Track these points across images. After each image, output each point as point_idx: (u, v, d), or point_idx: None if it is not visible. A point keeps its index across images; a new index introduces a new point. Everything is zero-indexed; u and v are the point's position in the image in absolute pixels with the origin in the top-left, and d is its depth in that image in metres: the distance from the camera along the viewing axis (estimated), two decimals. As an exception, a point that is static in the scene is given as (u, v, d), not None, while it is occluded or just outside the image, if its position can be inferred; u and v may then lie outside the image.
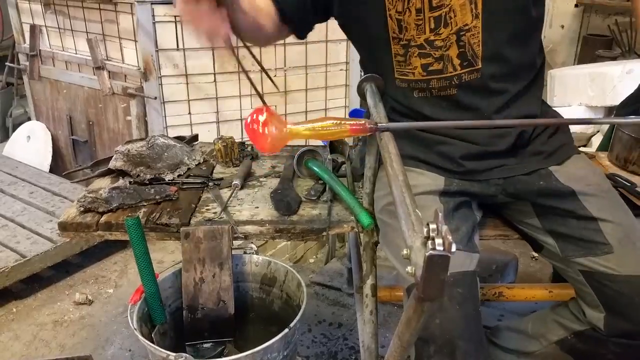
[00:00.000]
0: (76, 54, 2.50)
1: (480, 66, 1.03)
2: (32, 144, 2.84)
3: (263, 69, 1.11)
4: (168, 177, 1.35)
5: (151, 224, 1.17)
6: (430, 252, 0.56)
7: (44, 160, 2.76)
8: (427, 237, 0.59)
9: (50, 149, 2.76)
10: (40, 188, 2.40)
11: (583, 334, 1.09)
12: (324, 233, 1.19)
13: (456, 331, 0.90)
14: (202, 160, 1.49)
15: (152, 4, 2.13)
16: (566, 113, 2.71)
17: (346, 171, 1.39)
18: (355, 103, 2.75)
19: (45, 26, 2.60)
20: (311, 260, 2.40)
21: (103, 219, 1.19)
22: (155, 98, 2.26)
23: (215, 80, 2.38)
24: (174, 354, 0.96)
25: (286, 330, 1.04)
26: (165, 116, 2.34)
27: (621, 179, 1.33)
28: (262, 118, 0.94)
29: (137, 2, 2.11)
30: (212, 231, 1.15)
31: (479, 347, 0.93)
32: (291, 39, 1.19)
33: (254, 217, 1.21)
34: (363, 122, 0.94)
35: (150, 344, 1.02)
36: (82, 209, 1.20)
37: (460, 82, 1.05)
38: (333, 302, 1.97)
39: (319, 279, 2.09)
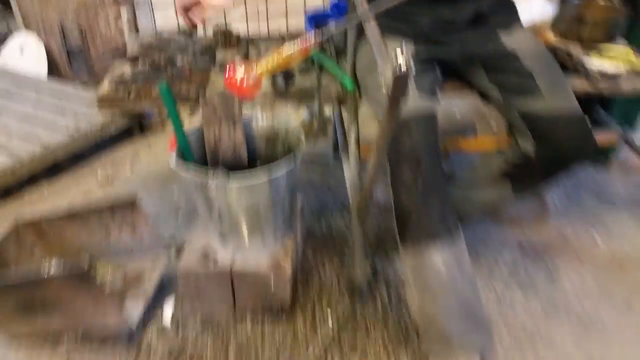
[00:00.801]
0: (63, -37, 2.64)
1: None
2: (26, 56, 3.01)
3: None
4: (179, 61, 1.64)
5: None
6: (397, 71, 0.89)
7: (40, 69, 2.95)
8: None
9: (45, 59, 2.94)
10: (45, 92, 2.62)
11: (518, 165, 1.47)
12: (315, 96, 1.52)
13: (421, 150, 1.23)
14: (203, 47, 1.77)
15: None
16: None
17: (329, 50, 1.70)
18: None
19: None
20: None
21: (133, 93, 1.49)
22: (145, 3, 2.46)
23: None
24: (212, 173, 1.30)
25: (291, 155, 1.39)
26: (155, 21, 2.56)
27: (561, 51, 1.65)
28: (238, 75, 1.26)
29: None
30: (225, 98, 1.45)
31: (437, 162, 1.28)
32: None
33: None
34: (307, 39, 1.19)
35: (191, 170, 1.34)
36: (114, 85, 1.49)
37: None
38: (322, 171, 2.33)
39: (309, 153, 2.43)
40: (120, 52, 2.68)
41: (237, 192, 1.33)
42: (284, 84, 1.53)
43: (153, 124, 2.64)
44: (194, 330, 1.50)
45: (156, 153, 2.48)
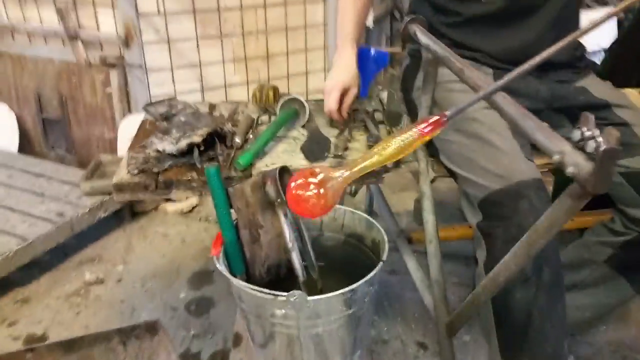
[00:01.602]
0: (41, 24, 2.32)
1: None
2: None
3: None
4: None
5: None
6: (606, 146, 0.61)
7: (10, 144, 2.56)
8: (582, 139, 0.64)
9: (17, 131, 2.56)
10: (19, 170, 2.24)
11: (629, 243, 1.19)
12: (383, 175, 1.22)
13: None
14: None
15: (131, -35, 2.02)
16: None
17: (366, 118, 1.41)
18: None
19: (1, -4, 2.39)
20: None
21: (161, 177, 1.15)
22: (140, 66, 2.16)
23: (198, 45, 2.30)
24: (284, 293, 0.96)
25: (375, 269, 1.07)
26: (148, 85, 2.25)
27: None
28: (313, 189, 0.79)
29: (116, -37, 1.99)
30: (262, 185, 1.13)
31: (557, 249, 1.01)
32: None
33: (312, 165, 1.21)
34: (432, 119, 0.77)
35: (255, 287, 1.00)
36: (136, 171, 1.15)
37: None
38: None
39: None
40: (107, 123, 2.35)
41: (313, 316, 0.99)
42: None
43: (146, 206, 2.27)
44: None
45: (153, 243, 2.10)
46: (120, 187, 1.14)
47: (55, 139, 2.55)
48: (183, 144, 1.16)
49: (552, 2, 1.17)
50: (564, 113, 1.23)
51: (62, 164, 2.41)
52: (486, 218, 1.04)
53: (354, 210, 1.27)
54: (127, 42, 2.14)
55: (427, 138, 0.76)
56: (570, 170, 0.65)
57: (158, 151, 1.19)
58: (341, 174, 0.80)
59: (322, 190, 0.79)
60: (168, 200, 2.28)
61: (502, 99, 0.81)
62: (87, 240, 2.09)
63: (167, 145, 1.18)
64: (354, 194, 2.28)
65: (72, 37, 2.21)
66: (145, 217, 2.24)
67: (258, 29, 2.44)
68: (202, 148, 1.19)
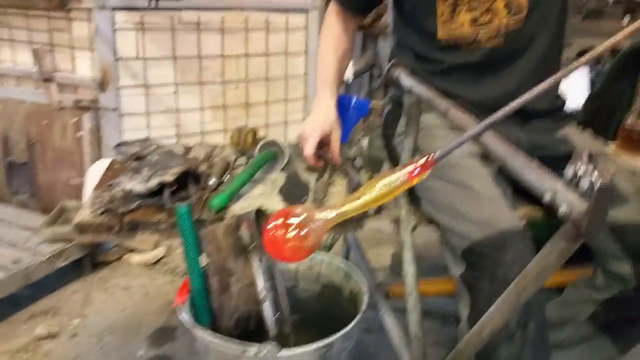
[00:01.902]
0: (15, 66, 2.27)
1: (524, 15, 1.13)
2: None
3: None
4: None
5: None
6: (601, 182, 0.57)
7: (-30, 187, 2.44)
8: (575, 177, 0.61)
9: (-22, 174, 2.45)
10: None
11: (612, 300, 1.14)
12: (364, 221, 1.16)
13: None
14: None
15: (113, 9, 2.01)
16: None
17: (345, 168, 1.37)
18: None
19: (-25, 37, 2.34)
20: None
21: (127, 218, 1.07)
22: (115, 109, 2.11)
23: (176, 91, 2.27)
24: (255, 344, 0.87)
25: (351, 324, 0.99)
26: (122, 130, 2.19)
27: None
28: (293, 231, 0.73)
29: (98, 7, 1.98)
30: (236, 229, 1.06)
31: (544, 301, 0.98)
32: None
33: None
34: (420, 160, 0.73)
35: (223, 337, 0.90)
36: (100, 210, 1.07)
37: (508, 31, 1.13)
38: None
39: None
40: (76, 168, 2.26)
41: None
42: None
43: (108, 256, 2.15)
44: None
45: (113, 296, 1.97)
46: (82, 228, 1.05)
47: (19, 183, 2.43)
48: (153, 182, 1.09)
49: (533, 50, 1.18)
50: (545, 162, 1.20)
51: (25, 209, 2.30)
52: (469, 269, 0.99)
53: (332, 258, 1.21)
54: (102, 85, 2.09)
55: (416, 181, 0.72)
56: (562, 209, 0.61)
57: (126, 190, 1.12)
58: (325, 215, 0.74)
59: (303, 232, 0.73)
60: (132, 250, 2.17)
61: (490, 138, 0.78)
62: (43, 291, 1.95)
63: (136, 184, 1.11)
64: (329, 247, 2.21)
65: (47, 79, 2.15)
66: (107, 268, 2.12)
67: (239, 77, 2.43)
68: (173, 188, 1.13)
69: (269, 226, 0.74)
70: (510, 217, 0.98)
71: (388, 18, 1.38)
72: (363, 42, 3.19)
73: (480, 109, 1.20)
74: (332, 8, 1.32)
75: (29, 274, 1.82)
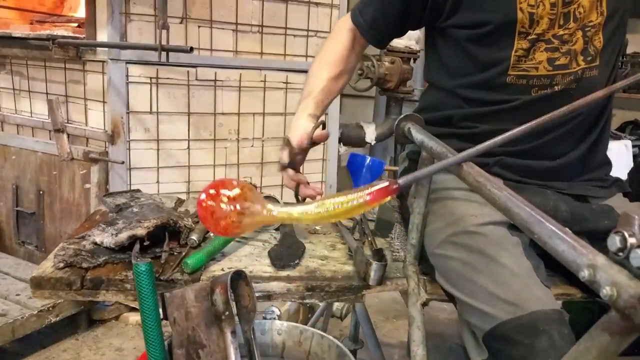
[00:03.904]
0: (31, 116, 2.27)
1: (598, 63, 1.03)
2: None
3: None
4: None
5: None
6: None
7: (-22, 236, 2.40)
8: (622, 249, 0.45)
9: (-13, 224, 2.41)
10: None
11: None
12: (364, 292, 1.01)
13: None
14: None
15: (127, 62, 1.99)
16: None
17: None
18: (332, 178, 2.65)
19: (-3, 88, 2.37)
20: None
21: (89, 274, 0.95)
22: (123, 162, 2.05)
23: (189, 147, 2.21)
24: None
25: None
26: (130, 184, 2.12)
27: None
28: (231, 192, 0.71)
29: (111, 59, 1.97)
30: (204, 288, 0.92)
31: None
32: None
33: (278, 273, 1.01)
34: (382, 184, 0.69)
35: None
36: (61, 264, 0.96)
37: (583, 77, 1.03)
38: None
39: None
40: (82, 220, 2.19)
41: None
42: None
43: (105, 314, 2.03)
44: None
45: (104, 357, 1.83)
46: (38, 282, 0.94)
47: (27, 233, 2.38)
48: (123, 236, 0.98)
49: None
50: (585, 236, 1.03)
51: (29, 261, 2.22)
52: (493, 356, 0.82)
53: (324, 334, 1.04)
54: (113, 138, 2.05)
55: (374, 205, 0.70)
56: (606, 292, 0.45)
57: (95, 244, 1.01)
58: (268, 210, 0.72)
59: (237, 208, 0.70)
60: (133, 309, 2.04)
61: (510, 199, 0.64)
62: (31, 347, 1.83)
63: (106, 237, 0.99)
64: (343, 317, 2.02)
65: (58, 130, 2.13)
66: (102, 327, 2.00)
67: (254, 135, 2.37)
68: (146, 243, 1.01)
69: (202, 196, 0.71)
70: (544, 296, 0.82)
71: (413, 84, 1.25)
72: (387, 105, 3.13)
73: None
74: (347, 23, 1.16)
75: (15, 328, 1.71)
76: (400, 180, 0.68)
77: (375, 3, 1.11)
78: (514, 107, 1.03)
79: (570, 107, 0.80)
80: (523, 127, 0.77)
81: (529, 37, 0.99)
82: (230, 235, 0.85)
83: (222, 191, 0.71)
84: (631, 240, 0.44)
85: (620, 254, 0.44)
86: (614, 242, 0.45)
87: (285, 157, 1.11)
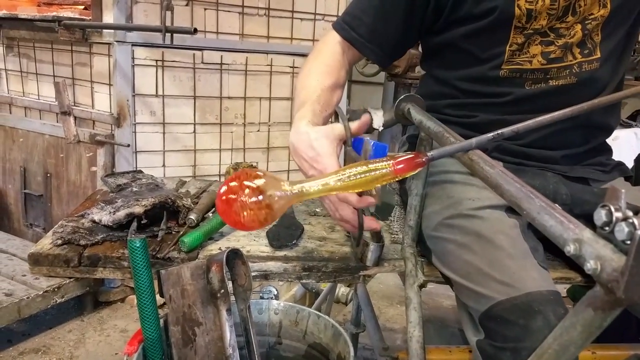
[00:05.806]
0: (39, 99, 2.29)
1: (599, 55, 1.00)
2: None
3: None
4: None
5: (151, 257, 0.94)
6: None
7: (-12, 218, 2.43)
8: (608, 223, 0.44)
9: (-4, 205, 2.44)
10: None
11: None
12: (361, 273, 1.00)
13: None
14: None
15: (132, 45, 1.99)
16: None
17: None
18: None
19: (5, 70, 2.38)
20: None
21: (87, 252, 0.95)
22: (128, 145, 2.05)
23: (194, 131, 2.21)
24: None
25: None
26: (136, 167, 2.13)
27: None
28: (257, 182, 0.65)
29: (117, 42, 1.97)
30: (205, 271, 0.91)
31: None
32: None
33: (275, 253, 1.01)
34: (410, 155, 0.66)
35: None
36: (59, 241, 0.96)
37: (582, 70, 1.00)
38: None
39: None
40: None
41: None
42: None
43: (112, 296, 2.05)
44: None
45: (108, 338, 1.85)
46: (36, 259, 0.94)
47: (35, 216, 2.41)
48: (121, 214, 0.98)
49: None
50: (584, 218, 1.01)
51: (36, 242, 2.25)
52: (489, 337, 0.81)
53: (320, 314, 1.04)
54: (119, 121, 2.06)
55: (399, 177, 0.67)
56: (590, 265, 0.44)
57: (94, 222, 1.01)
58: (291, 189, 0.67)
59: (261, 199, 0.65)
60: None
61: (501, 175, 0.63)
62: (38, 327, 1.86)
63: (105, 215, 1.00)
64: (346, 302, 2.03)
65: (65, 112, 2.14)
66: (108, 308, 2.02)
67: (260, 120, 2.36)
68: (144, 222, 1.01)
69: (222, 189, 0.66)
70: (540, 277, 0.81)
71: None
72: (395, 92, 3.10)
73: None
74: (335, 38, 1.05)
75: (21, 308, 1.73)
76: (431, 153, 0.65)
77: (370, 14, 1.01)
78: (509, 101, 1.02)
79: (578, 108, 0.77)
80: (529, 122, 0.73)
81: (525, 32, 0.98)
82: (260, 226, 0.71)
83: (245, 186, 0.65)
84: (617, 215, 0.42)
85: (606, 228, 0.43)
86: (599, 216, 0.44)
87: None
